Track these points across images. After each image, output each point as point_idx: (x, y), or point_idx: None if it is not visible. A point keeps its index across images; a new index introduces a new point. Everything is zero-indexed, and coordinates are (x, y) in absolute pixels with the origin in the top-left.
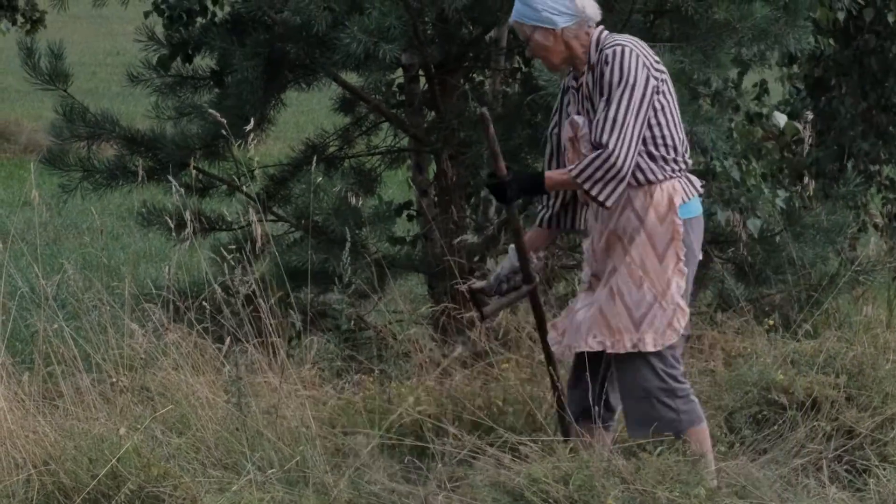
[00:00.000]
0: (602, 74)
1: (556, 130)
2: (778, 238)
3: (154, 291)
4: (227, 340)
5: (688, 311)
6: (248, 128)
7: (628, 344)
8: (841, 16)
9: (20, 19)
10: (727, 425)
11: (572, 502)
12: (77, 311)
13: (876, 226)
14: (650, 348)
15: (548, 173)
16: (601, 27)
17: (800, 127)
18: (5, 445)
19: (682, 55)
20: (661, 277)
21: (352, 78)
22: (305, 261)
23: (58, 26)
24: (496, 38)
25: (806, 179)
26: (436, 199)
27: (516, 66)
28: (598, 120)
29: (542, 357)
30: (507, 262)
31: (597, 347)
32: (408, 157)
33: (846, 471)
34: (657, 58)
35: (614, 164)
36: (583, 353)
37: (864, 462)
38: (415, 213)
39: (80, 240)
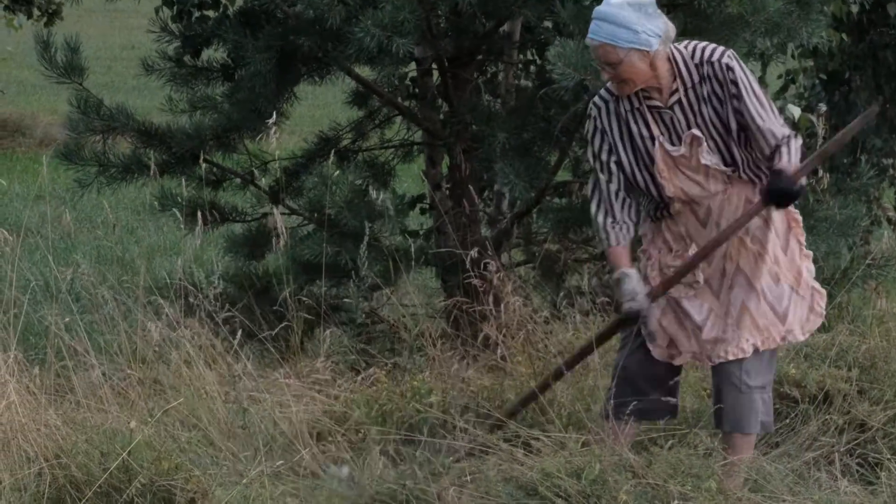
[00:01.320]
0: (724, 83)
1: (614, 159)
2: None
3: (168, 281)
4: (238, 334)
5: (824, 291)
6: (271, 121)
7: (777, 338)
8: (854, 9)
9: (36, 12)
10: None
11: (585, 497)
12: (92, 304)
13: (889, 220)
14: (800, 338)
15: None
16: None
17: (814, 120)
18: (17, 439)
19: None
20: (791, 266)
21: (365, 71)
22: (319, 254)
23: (73, 20)
24: (509, 32)
25: (819, 172)
26: (448, 192)
27: (530, 58)
28: (765, 120)
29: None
30: (637, 282)
31: (749, 350)
32: (421, 150)
33: (858, 464)
34: None
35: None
36: (672, 366)
37: (876, 455)
38: (428, 207)
39: (94, 233)
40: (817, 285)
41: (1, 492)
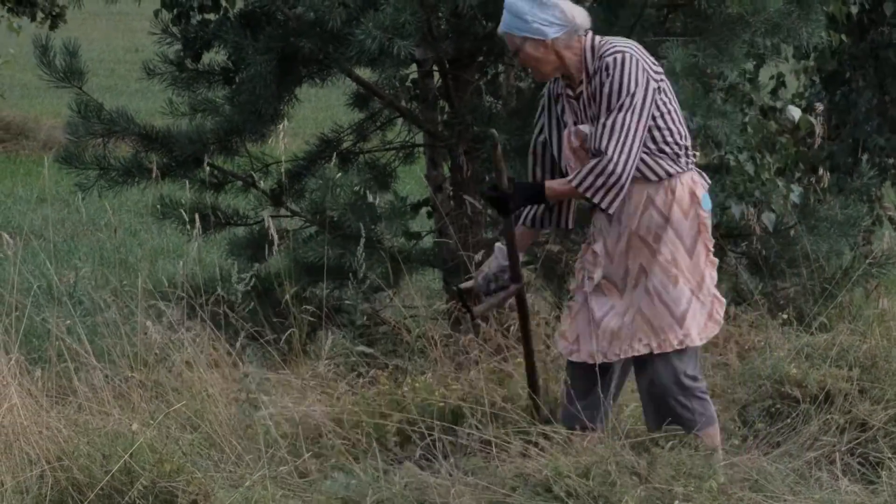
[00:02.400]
0: (602, 83)
1: (541, 139)
2: (792, 231)
3: (168, 287)
4: (240, 336)
5: (724, 300)
6: (282, 125)
7: (675, 342)
8: (854, 9)
9: (40, 15)
10: (740, 418)
11: (594, 498)
12: (95, 307)
13: (891, 219)
14: (697, 342)
15: (548, 184)
16: (591, 33)
17: (814, 121)
18: (19, 441)
19: (695, 49)
20: (695, 271)
21: (365, 73)
22: (321, 256)
23: (77, 23)
24: None
25: (820, 171)
26: (450, 194)
27: None
28: (598, 127)
29: (556, 353)
30: (493, 261)
31: (643, 351)
32: (422, 152)
33: (859, 464)
34: (653, 59)
35: (613, 171)
36: (590, 365)
37: (878, 455)
38: (431, 210)
39: (96, 236)
40: (718, 294)
41: (3, 494)
